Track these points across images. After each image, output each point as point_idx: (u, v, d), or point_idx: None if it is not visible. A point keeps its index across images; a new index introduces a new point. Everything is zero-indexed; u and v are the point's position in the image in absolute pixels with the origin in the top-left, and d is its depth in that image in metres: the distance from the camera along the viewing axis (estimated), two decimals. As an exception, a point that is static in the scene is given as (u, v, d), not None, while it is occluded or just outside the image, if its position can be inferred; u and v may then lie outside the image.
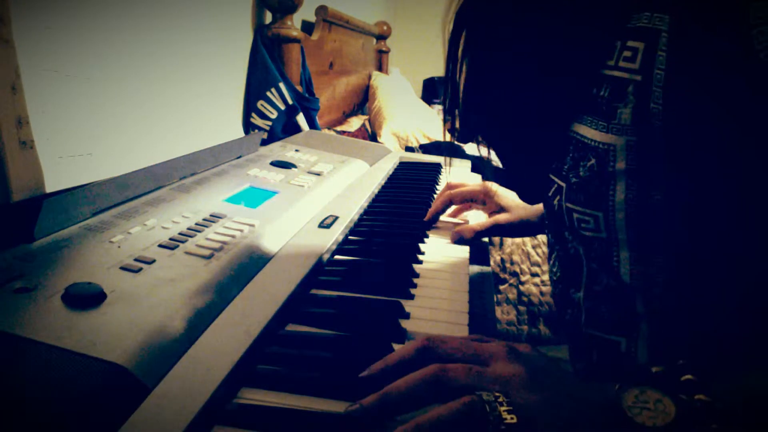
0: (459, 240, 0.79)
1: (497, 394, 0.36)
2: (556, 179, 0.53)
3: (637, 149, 0.45)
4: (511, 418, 0.35)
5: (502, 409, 0.35)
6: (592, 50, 0.48)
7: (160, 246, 0.54)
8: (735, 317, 0.45)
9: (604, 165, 0.47)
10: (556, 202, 0.53)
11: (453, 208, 0.89)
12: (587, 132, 0.48)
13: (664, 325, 0.49)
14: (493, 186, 0.85)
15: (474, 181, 0.98)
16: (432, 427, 0.35)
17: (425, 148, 2.16)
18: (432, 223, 0.85)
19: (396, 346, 0.48)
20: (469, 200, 0.86)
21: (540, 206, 0.81)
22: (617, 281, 0.50)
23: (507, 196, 0.84)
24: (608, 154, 0.46)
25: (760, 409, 0.36)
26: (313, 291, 0.59)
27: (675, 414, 0.35)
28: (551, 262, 0.61)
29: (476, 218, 0.90)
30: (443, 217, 0.88)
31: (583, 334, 0.55)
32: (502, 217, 0.82)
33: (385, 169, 1.12)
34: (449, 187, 0.88)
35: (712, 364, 0.39)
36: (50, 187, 0.56)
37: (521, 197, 0.74)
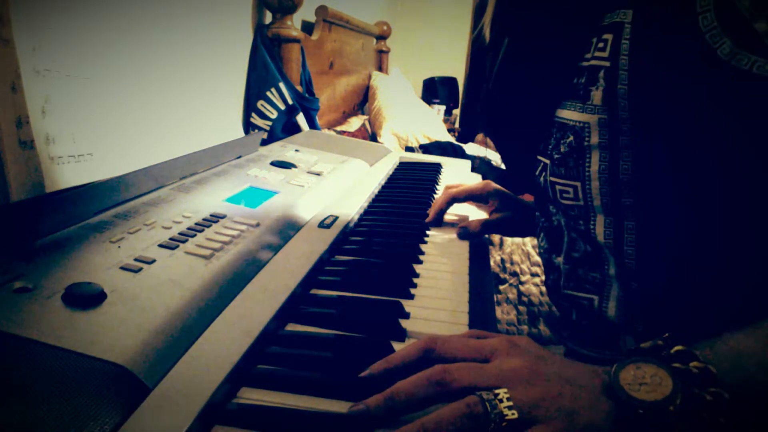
0: (465, 235, 0.80)
1: (497, 391, 0.37)
2: (542, 158, 0.60)
3: (607, 125, 0.52)
4: (512, 414, 0.36)
5: (503, 406, 0.36)
6: (575, 46, 0.56)
7: (160, 246, 0.54)
8: (706, 275, 0.50)
9: (580, 140, 0.54)
10: (542, 179, 0.60)
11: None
12: (567, 114, 0.56)
13: (633, 283, 0.54)
14: (494, 184, 0.85)
15: (474, 181, 0.98)
16: (436, 428, 0.36)
17: (425, 148, 2.16)
18: (434, 223, 0.85)
19: (396, 346, 0.48)
20: (470, 198, 0.87)
21: None
22: (593, 246, 0.57)
23: (509, 194, 0.85)
24: (584, 131, 0.54)
25: (754, 366, 0.38)
26: (313, 291, 0.59)
27: (672, 385, 0.36)
28: (540, 236, 0.67)
29: (476, 215, 0.90)
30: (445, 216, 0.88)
31: (563, 295, 0.62)
32: (503, 216, 0.83)
33: (385, 169, 1.12)
34: (449, 188, 0.88)
35: (692, 328, 0.41)
36: (50, 187, 0.56)
37: (511, 187, 0.81)
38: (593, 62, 0.53)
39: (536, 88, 0.60)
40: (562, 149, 0.56)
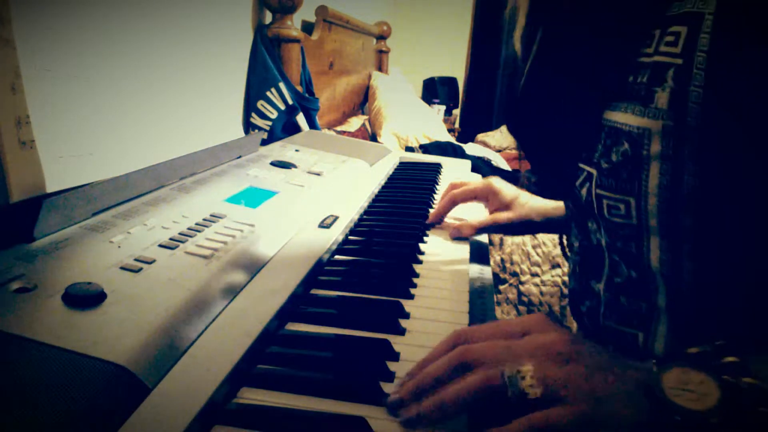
0: (457, 237, 0.80)
1: (521, 368, 0.36)
2: (586, 167, 0.52)
3: (673, 133, 0.44)
4: (535, 392, 0.35)
5: (525, 383, 0.35)
6: (628, 41, 0.48)
7: (160, 246, 0.54)
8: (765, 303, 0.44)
9: (638, 149, 0.46)
10: (585, 191, 0.53)
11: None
12: (621, 117, 0.48)
13: (686, 319, 0.48)
14: (496, 183, 0.85)
15: (477, 179, 0.98)
16: (456, 398, 0.36)
17: (425, 148, 2.16)
18: (437, 224, 0.86)
19: (396, 346, 0.48)
20: (472, 198, 0.87)
21: (542, 205, 0.82)
22: (640, 272, 0.50)
23: (510, 193, 0.84)
24: (643, 138, 0.46)
25: None
26: (314, 291, 0.59)
27: (719, 398, 0.34)
28: (572, 254, 0.61)
29: (476, 212, 0.90)
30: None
31: (601, 326, 0.55)
32: (502, 216, 0.82)
33: (385, 169, 1.12)
34: (453, 186, 0.88)
35: (748, 346, 0.38)
36: (50, 187, 0.56)
37: (543, 192, 0.75)
38: (658, 58, 0.45)
39: (578, 86, 0.52)
40: (613, 158, 0.48)
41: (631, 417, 0.35)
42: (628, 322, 0.52)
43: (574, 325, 0.65)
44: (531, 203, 0.82)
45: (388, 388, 0.42)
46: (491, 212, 0.86)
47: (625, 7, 0.49)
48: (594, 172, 0.51)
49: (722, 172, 0.43)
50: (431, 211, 0.89)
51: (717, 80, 0.42)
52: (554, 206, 0.81)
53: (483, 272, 0.70)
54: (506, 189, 0.84)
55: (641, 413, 0.35)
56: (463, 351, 0.39)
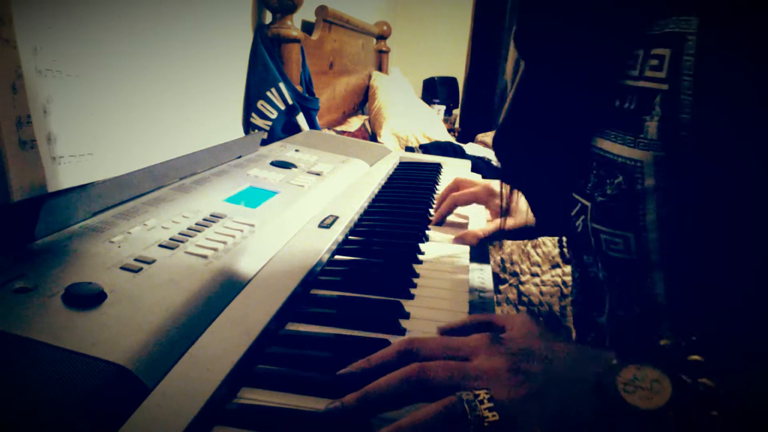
0: (462, 245, 0.80)
1: (478, 392, 0.35)
2: (580, 198, 0.49)
3: (667, 164, 0.42)
4: (493, 416, 0.34)
5: (483, 407, 0.34)
6: (611, 60, 0.45)
7: (160, 246, 0.54)
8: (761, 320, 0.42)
9: (632, 183, 0.44)
10: (580, 222, 0.50)
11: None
12: (612, 147, 0.45)
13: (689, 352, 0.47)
14: (496, 187, 0.85)
15: (480, 179, 0.98)
16: (411, 429, 0.34)
17: (425, 148, 2.16)
18: (438, 224, 0.86)
19: (396, 346, 0.48)
20: (473, 202, 0.88)
21: None
22: (643, 306, 0.48)
23: (511, 197, 0.84)
24: (636, 171, 0.43)
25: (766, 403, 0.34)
26: (313, 291, 0.59)
27: (670, 396, 0.33)
28: (574, 285, 0.60)
29: (476, 212, 0.91)
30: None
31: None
32: (507, 223, 0.81)
33: (385, 169, 1.12)
34: (456, 182, 0.89)
35: (726, 350, 0.37)
36: (50, 187, 0.56)
37: (541, 226, 0.72)
38: (644, 84, 0.43)
39: (562, 109, 0.49)
40: (608, 191, 0.46)
41: (590, 421, 0.35)
42: (636, 355, 0.51)
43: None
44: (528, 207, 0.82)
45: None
46: (493, 217, 0.87)
47: (604, 25, 0.46)
48: (588, 204, 0.48)
49: (723, 198, 0.40)
50: (433, 212, 0.89)
51: (706, 105, 0.39)
52: None
53: (483, 272, 0.70)
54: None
55: (598, 415, 0.35)
56: (417, 369, 0.38)
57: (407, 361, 0.40)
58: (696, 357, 0.35)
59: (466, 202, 0.87)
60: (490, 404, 0.35)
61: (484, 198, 0.86)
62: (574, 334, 0.66)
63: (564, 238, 0.73)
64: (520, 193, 0.79)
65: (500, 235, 0.82)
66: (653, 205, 0.43)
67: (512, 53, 0.55)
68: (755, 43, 0.37)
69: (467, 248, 0.77)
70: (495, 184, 0.86)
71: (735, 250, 0.41)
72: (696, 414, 0.33)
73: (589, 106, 0.47)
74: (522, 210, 0.83)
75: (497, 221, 0.83)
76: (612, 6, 0.45)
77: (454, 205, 0.86)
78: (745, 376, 0.35)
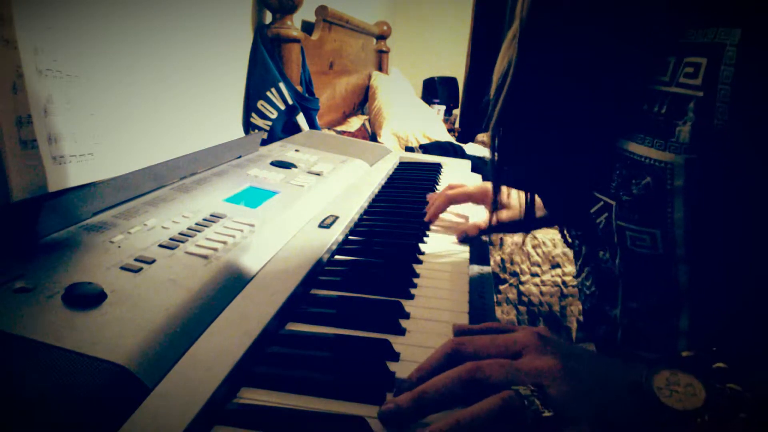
0: (464, 238, 0.80)
1: (533, 387, 0.37)
2: (603, 197, 0.52)
3: (697, 167, 0.44)
4: (548, 411, 0.36)
5: (539, 403, 0.36)
6: (641, 66, 0.47)
7: (160, 246, 0.54)
8: None
9: (661, 183, 0.46)
10: (603, 219, 0.52)
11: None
12: (640, 150, 0.47)
13: (707, 341, 0.49)
14: (491, 186, 0.86)
15: (474, 181, 0.99)
16: (472, 422, 0.35)
17: (425, 148, 2.16)
18: (431, 222, 0.86)
19: (396, 346, 0.48)
20: (467, 200, 0.88)
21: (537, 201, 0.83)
22: (660, 297, 0.50)
23: (505, 193, 0.85)
24: (665, 173, 0.45)
25: None
26: (313, 291, 0.59)
27: (704, 399, 0.35)
28: (583, 275, 0.61)
29: (476, 212, 0.91)
30: (444, 215, 0.88)
31: (618, 349, 0.56)
32: (503, 215, 0.83)
33: (385, 169, 1.12)
34: (450, 187, 0.89)
35: (745, 353, 0.39)
36: (51, 187, 0.56)
37: (554, 218, 0.74)
38: (677, 90, 0.45)
39: (581, 111, 0.51)
40: (634, 191, 0.48)
41: (630, 422, 0.36)
42: (646, 347, 0.53)
43: (574, 326, 0.65)
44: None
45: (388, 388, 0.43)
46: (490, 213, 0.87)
47: (634, 32, 0.47)
48: (613, 203, 0.50)
49: (750, 200, 0.42)
50: (431, 210, 0.89)
51: (742, 113, 0.41)
52: None
53: (483, 272, 0.70)
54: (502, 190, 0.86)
55: (633, 413, 0.36)
56: (473, 368, 0.39)
57: (456, 362, 0.40)
58: (720, 364, 0.37)
59: (460, 199, 0.87)
60: (545, 400, 0.36)
61: (479, 197, 0.87)
62: (574, 335, 0.67)
63: (565, 229, 0.74)
64: (511, 189, 0.82)
65: (499, 226, 0.83)
66: (680, 204, 0.45)
67: (504, 51, 0.56)
68: None
69: (467, 248, 0.77)
70: (490, 185, 0.87)
71: (757, 245, 0.43)
72: (727, 416, 0.35)
73: (612, 110, 0.49)
74: (514, 205, 0.84)
75: (495, 214, 0.84)
76: (638, 14, 0.47)
77: (448, 202, 0.87)
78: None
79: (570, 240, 0.66)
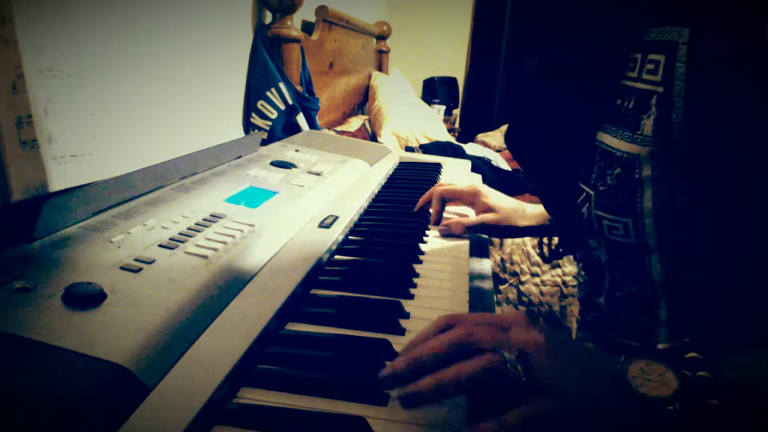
0: (447, 234, 0.81)
1: (517, 353, 0.38)
2: (585, 187, 0.55)
3: (661, 158, 0.46)
4: (528, 378, 0.37)
5: (520, 369, 0.38)
6: (611, 61, 0.50)
7: (160, 246, 0.54)
8: (753, 305, 0.46)
9: (630, 173, 0.49)
10: (585, 209, 0.55)
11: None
12: (612, 141, 0.50)
13: (685, 331, 0.50)
14: (482, 188, 0.87)
15: (474, 182, 0.99)
16: (456, 381, 0.37)
17: (425, 148, 2.16)
18: (437, 224, 0.86)
19: (396, 346, 0.48)
20: (455, 197, 0.88)
21: (524, 207, 0.85)
22: (641, 287, 0.52)
23: (494, 197, 0.87)
24: (633, 164, 0.48)
25: (761, 384, 0.38)
26: (313, 291, 0.59)
27: (677, 387, 0.37)
28: (579, 266, 0.64)
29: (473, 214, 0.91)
30: (445, 214, 0.88)
31: (603, 336, 0.58)
32: (488, 217, 0.85)
33: (385, 169, 1.12)
34: (440, 185, 0.90)
35: (718, 341, 0.41)
36: (51, 187, 0.56)
37: (549, 211, 0.77)
38: (641, 85, 0.47)
39: (566, 105, 0.54)
40: (608, 181, 0.51)
41: (603, 404, 0.38)
42: (626, 335, 0.55)
43: (574, 326, 0.66)
44: (513, 207, 0.85)
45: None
46: (477, 214, 0.88)
47: (603, 31, 0.51)
48: (592, 193, 0.53)
49: (715, 189, 0.45)
50: (432, 212, 0.89)
51: (696, 107, 0.43)
52: (534, 213, 0.84)
53: (483, 272, 0.70)
54: (491, 193, 0.87)
55: (611, 401, 0.38)
56: (464, 332, 0.40)
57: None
58: (692, 354, 0.39)
59: (448, 195, 0.87)
60: (528, 367, 0.38)
61: (469, 198, 0.87)
62: (574, 335, 0.68)
63: (545, 239, 0.76)
64: (498, 193, 0.84)
65: (482, 228, 0.84)
66: (649, 194, 0.48)
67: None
68: (742, 53, 0.41)
69: (467, 248, 0.77)
70: (480, 185, 0.88)
71: (725, 236, 0.46)
72: (698, 402, 0.36)
73: (591, 104, 0.52)
74: (505, 207, 0.85)
75: (482, 216, 0.86)
76: (611, 10, 0.50)
77: (439, 200, 0.87)
78: (737, 367, 0.38)
79: (546, 254, 0.69)
